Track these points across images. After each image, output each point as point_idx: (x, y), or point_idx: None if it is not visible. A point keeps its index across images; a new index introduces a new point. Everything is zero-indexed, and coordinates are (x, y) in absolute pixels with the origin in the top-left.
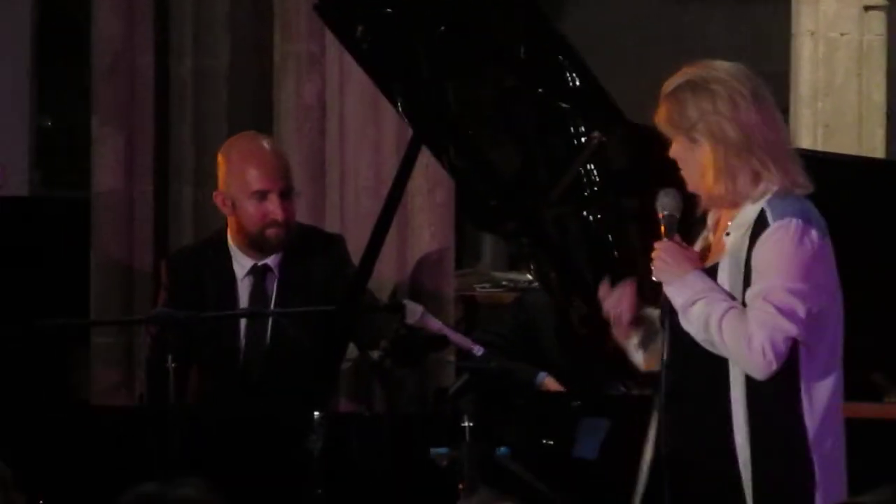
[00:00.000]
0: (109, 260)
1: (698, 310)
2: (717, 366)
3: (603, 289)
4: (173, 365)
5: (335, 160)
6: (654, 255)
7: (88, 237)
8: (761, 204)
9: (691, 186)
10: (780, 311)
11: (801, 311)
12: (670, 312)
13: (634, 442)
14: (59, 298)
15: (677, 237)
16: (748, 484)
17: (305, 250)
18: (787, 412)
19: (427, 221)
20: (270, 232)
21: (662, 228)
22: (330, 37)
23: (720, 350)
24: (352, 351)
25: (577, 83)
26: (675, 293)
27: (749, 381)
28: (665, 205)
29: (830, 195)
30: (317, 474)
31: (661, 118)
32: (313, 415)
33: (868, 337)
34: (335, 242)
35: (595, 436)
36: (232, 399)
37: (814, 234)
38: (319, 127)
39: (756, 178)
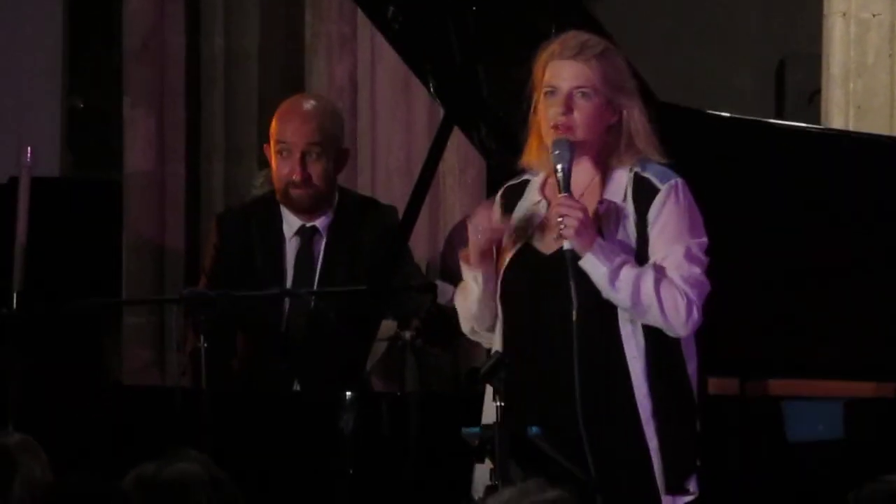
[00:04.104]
0: (141, 240)
1: (626, 274)
2: (611, 323)
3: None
4: (205, 345)
5: (366, 140)
6: (568, 214)
7: (120, 218)
8: (634, 169)
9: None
10: (703, 269)
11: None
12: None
13: None
14: (91, 280)
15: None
16: (653, 437)
17: (356, 216)
18: (676, 366)
19: (459, 201)
20: (293, 192)
21: (560, 184)
22: (361, 17)
23: (644, 312)
24: (384, 330)
25: None
26: (599, 260)
27: (646, 338)
28: (563, 157)
29: (862, 175)
30: (348, 454)
31: (582, 73)
32: (345, 394)
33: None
34: (387, 213)
35: None
36: (274, 371)
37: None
38: (351, 107)
39: (630, 142)
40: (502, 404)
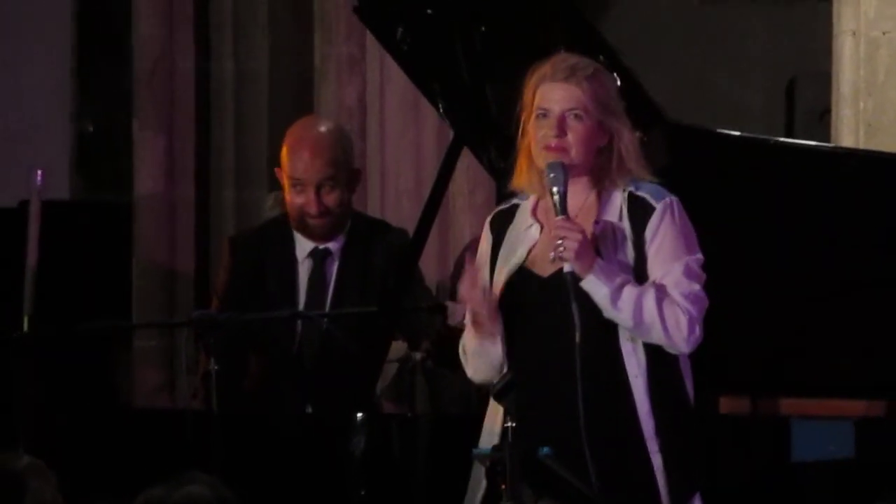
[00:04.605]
0: (151, 263)
1: (628, 293)
2: (612, 341)
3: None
4: (216, 367)
5: (376, 162)
6: (567, 236)
7: (130, 241)
8: (627, 189)
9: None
10: (702, 285)
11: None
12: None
13: None
14: (101, 302)
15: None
16: (656, 455)
17: (368, 239)
18: (676, 383)
19: (468, 222)
20: (311, 221)
21: (556, 206)
22: (370, 39)
23: (646, 330)
24: (395, 351)
25: (617, 83)
26: (601, 281)
27: (647, 355)
28: (559, 180)
29: (873, 193)
30: (359, 475)
31: (574, 95)
32: (356, 416)
33: None
34: (398, 235)
35: None
36: (285, 393)
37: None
38: (360, 129)
39: (621, 163)
40: (514, 425)
